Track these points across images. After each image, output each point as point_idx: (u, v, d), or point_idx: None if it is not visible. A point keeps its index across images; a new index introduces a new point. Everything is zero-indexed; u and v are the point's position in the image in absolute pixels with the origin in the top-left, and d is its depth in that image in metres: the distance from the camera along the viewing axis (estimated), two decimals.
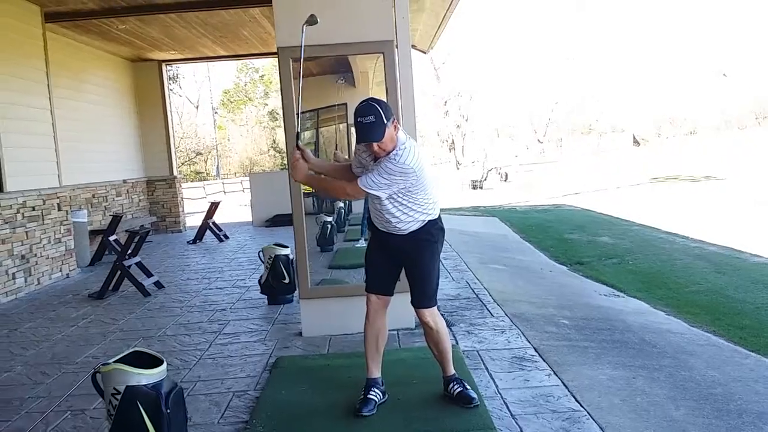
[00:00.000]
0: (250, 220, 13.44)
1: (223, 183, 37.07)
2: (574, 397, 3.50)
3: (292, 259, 5.77)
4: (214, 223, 11.30)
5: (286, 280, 5.91)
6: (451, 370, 3.50)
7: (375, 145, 3.13)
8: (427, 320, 3.39)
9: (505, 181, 31.11)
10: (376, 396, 3.39)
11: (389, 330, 3.59)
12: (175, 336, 5.17)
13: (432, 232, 3.38)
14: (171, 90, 16.23)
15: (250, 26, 10.10)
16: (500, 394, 3.55)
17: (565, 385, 3.67)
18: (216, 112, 52.35)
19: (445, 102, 40.59)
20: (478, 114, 44.31)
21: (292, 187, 4.78)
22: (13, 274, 7.16)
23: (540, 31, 67.25)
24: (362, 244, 6.03)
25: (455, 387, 3.42)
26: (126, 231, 7.69)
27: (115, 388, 2.78)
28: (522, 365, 4.00)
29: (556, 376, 3.81)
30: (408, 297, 3.47)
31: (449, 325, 4.62)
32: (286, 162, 4.98)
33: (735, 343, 5.44)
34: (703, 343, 5.34)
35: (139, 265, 7.18)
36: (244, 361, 4.40)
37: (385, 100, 4.08)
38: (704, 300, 7.13)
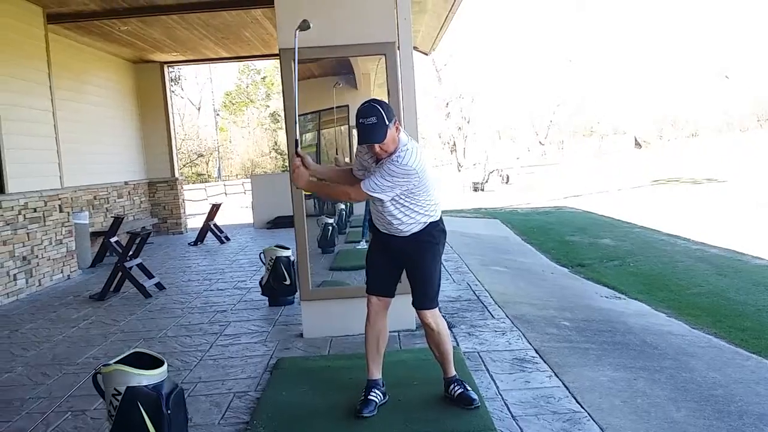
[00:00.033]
0: (252, 221, 13.44)
1: (224, 185, 37.09)
2: (574, 398, 3.50)
3: (293, 261, 5.77)
4: (215, 224, 11.30)
5: (287, 282, 5.91)
6: (452, 372, 3.50)
7: (377, 146, 3.13)
8: (428, 321, 3.39)
9: (507, 183, 31.11)
10: (376, 397, 3.39)
11: (390, 331, 3.59)
12: (176, 337, 5.17)
13: (434, 233, 3.38)
14: (173, 91, 16.23)
15: (251, 28, 10.11)
16: (501, 395, 3.55)
17: (565, 386, 3.67)
18: (218, 114, 52.41)
19: (447, 104, 40.60)
20: (479, 116, 44.31)
21: (293, 189, 4.78)
22: (15, 275, 7.17)
23: (541, 33, 67.21)
24: (363, 245, 6.03)
25: (456, 388, 3.42)
26: (127, 232, 7.70)
27: (115, 389, 2.79)
28: (523, 367, 3.99)
29: (557, 377, 3.81)
30: (408, 298, 3.47)
31: (450, 326, 4.61)
32: (287, 164, 4.98)
33: (736, 345, 5.43)
34: (704, 345, 5.33)
35: (141, 266, 7.18)
36: (245, 362, 4.40)
37: (386, 101, 4.08)
38: (705, 302, 7.13)
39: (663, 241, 11.55)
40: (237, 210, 18.61)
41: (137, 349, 3.03)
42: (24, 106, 7.61)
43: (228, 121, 52.62)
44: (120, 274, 6.91)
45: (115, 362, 2.83)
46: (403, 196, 3.22)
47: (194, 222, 13.98)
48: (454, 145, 41.42)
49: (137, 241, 7.18)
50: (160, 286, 7.13)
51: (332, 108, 6.94)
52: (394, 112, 3.25)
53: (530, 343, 4.45)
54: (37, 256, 7.60)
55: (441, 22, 10.11)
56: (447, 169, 39.63)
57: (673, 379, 4.16)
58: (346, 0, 4.74)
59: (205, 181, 42.95)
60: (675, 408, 3.62)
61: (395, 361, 3.96)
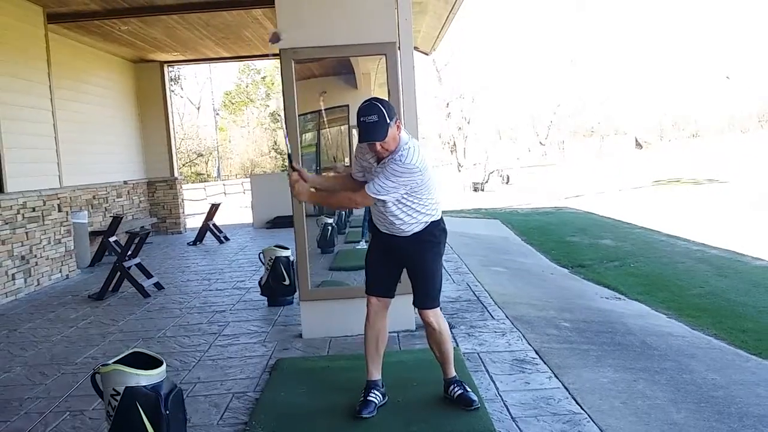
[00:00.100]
0: (251, 221, 13.43)
1: (223, 184, 37.12)
2: (574, 399, 3.49)
3: (293, 261, 5.76)
4: (214, 224, 11.29)
5: (287, 282, 5.90)
6: (452, 372, 3.49)
7: (378, 144, 3.11)
8: (430, 321, 3.38)
9: (507, 183, 31.14)
10: (376, 398, 3.38)
11: (389, 332, 3.58)
12: (174, 337, 5.16)
13: (435, 233, 3.37)
14: (172, 91, 16.24)
15: (252, 27, 10.10)
16: (501, 396, 3.54)
17: (565, 387, 3.66)
18: (217, 114, 52.41)
19: (447, 104, 40.61)
20: (480, 116, 44.34)
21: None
22: (13, 274, 7.15)
23: (542, 33, 67.31)
24: (363, 245, 6.03)
25: (456, 389, 3.41)
26: (126, 232, 7.69)
27: (114, 389, 2.78)
28: (522, 368, 3.98)
29: (557, 378, 3.80)
30: (408, 299, 3.47)
31: (450, 327, 4.59)
32: (287, 164, 4.96)
33: (736, 347, 5.43)
34: (705, 347, 5.32)
35: (139, 266, 7.17)
36: (244, 363, 4.39)
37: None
38: (706, 303, 7.12)
39: (663, 242, 11.55)
40: (236, 210, 18.60)
41: (136, 349, 3.02)
42: (24, 105, 7.60)
43: (227, 120, 52.62)
44: (119, 273, 6.90)
45: (114, 362, 2.82)
46: (406, 196, 3.21)
47: (193, 222, 13.97)
48: (455, 145, 41.44)
49: (136, 241, 7.17)
50: (158, 285, 7.12)
51: (332, 108, 6.94)
52: (395, 111, 3.23)
53: (530, 344, 4.44)
54: (35, 256, 7.58)
55: (441, 22, 10.09)
56: (447, 170, 39.62)
57: (673, 380, 4.15)
58: (347, 0, 4.72)
59: (205, 181, 42.96)
60: (675, 409, 3.61)
61: (395, 361, 3.95)
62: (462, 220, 14.69)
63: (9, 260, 7.09)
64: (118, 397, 2.76)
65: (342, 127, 7.16)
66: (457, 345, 4.38)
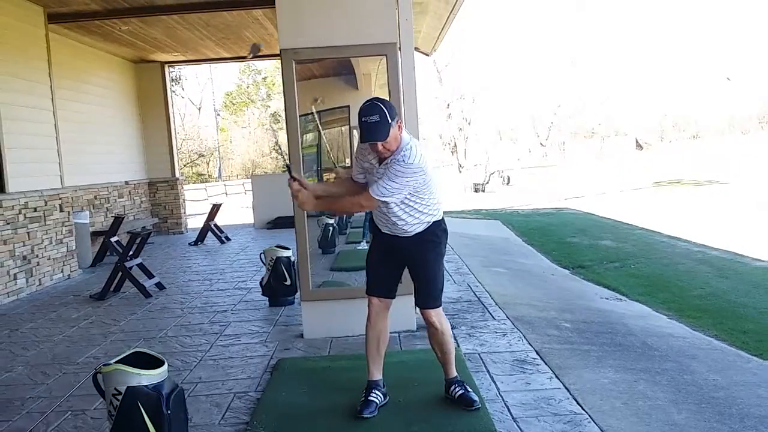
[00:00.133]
0: (252, 222, 13.44)
1: (225, 185, 37.12)
2: (575, 400, 3.49)
3: (294, 261, 5.77)
4: (215, 224, 11.30)
5: (288, 282, 5.90)
6: (454, 373, 3.49)
7: (379, 144, 3.11)
8: (432, 320, 3.39)
9: (508, 184, 31.15)
10: (377, 398, 3.38)
11: (390, 332, 3.58)
12: (176, 337, 5.17)
13: (437, 233, 3.38)
14: (173, 91, 16.24)
15: (252, 28, 10.11)
16: (501, 396, 3.54)
17: (566, 388, 3.66)
18: (218, 114, 52.46)
19: (448, 105, 40.65)
20: (480, 117, 44.40)
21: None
22: (15, 274, 7.16)
23: (542, 34, 67.30)
24: (364, 246, 6.03)
25: (457, 389, 3.41)
26: (127, 232, 7.70)
27: (116, 389, 2.78)
28: (523, 368, 3.99)
29: (558, 379, 3.80)
30: (408, 299, 3.47)
31: (451, 327, 4.60)
32: (287, 164, 4.96)
33: (737, 348, 5.43)
34: (706, 347, 5.32)
35: (141, 266, 7.18)
36: (245, 363, 4.40)
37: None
38: (706, 304, 7.12)
39: (664, 243, 11.55)
40: (237, 210, 18.60)
41: (137, 349, 3.03)
42: (25, 105, 7.61)
43: (228, 121, 52.66)
44: (120, 273, 6.90)
45: (116, 362, 2.83)
46: (408, 196, 3.21)
47: (194, 222, 13.98)
48: (455, 146, 41.48)
49: (137, 241, 7.18)
50: (160, 285, 7.13)
51: (333, 108, 6.94)
52: (396, 111, 3.24)
53: (531, 345, 4.44)
54: (37, 256, 7.59)
55: (442, 22, 10.10)
56: (448, 170, 39.63)
57: (674, 381, 4.15)
58: (348, 0, 4.72)
59: (206, 181, 42.99)
60: (676, 410, 3.61)
61: (396, 362, 3.96)
62: (463, 220, 14.70)
63: (11, 260, 7.10)
64: (120, 397, 2.77)
65: (343, 128, 7.16)
66: (458, 345, 4.38)
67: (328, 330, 4.83)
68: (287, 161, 3.47)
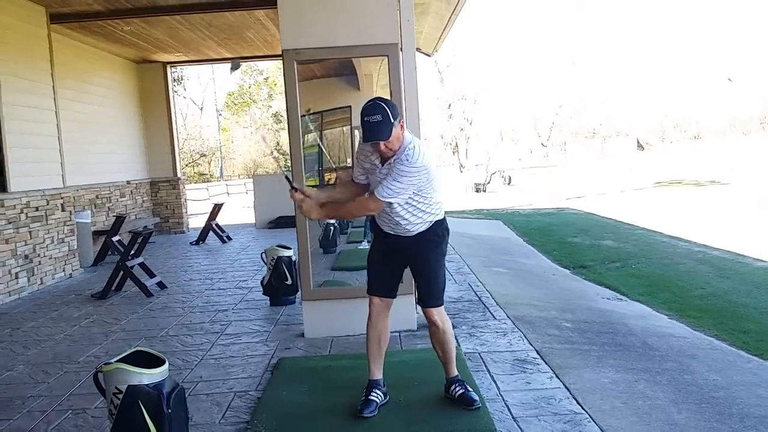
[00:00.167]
0: (253, 221, 13.45)
1: (226, 184, 37.16)
2: (575, 399, 3.49)
3: (295, 261, 5.78)
4: (217, 224, 11.31)
5: (289, 282, 5.91)
6: (454, 372, 3.50)
7: (382, 144, 3.12)
8: (435, 319, 3.40)
9: (509, 184, 31.14)
10: (377, 397, 3.39)
11: (391, 332, 3.59)
12: (177, 336, 5.18)
13: (439, 232, 3.39)
14: (175, 91, 16.26)
15: (254, 28, 10.12)
16: (502, 396, 3.55)
17: (566, 387, 3.67)
18: (220, 114, 52.50)
19: (449, 105, 40.66)
20: (481, 117, 44.42)
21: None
22: (17, 273, 7.18)
23: (543, 35, 67.32)
24: (365, 245, 6.04)
25: (457, 389, 3.42)
26: (129, 232, 7.71)
27: (116, 388, 2.79)
28: (524, 368, 3.99)
29: (558, 378, 3.80)
30: (409, 299, 3.48)
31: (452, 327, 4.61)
32: (289, 164, 4.97)
33: (738, 348, 5.43)
34: (706, 347, 5.32)
35: (142, 265, 7.19)
36: (246, 362, 4.41)
37: None
38: (707, 304, 7.12)
39: (665, 243, 11.54)
40: (239, 210, 18.62)
41: (138, 348, 3.04)
42: (27, 105, 7.62)
43: (230, 121, 52.70)
44: (122, 273, 6.92)
45: (117, 361, 2.83)
46: (413, 195, 3.22)
47: (196, 221, 13.98)
48: (457, 146, 41.49)
49: (139, 240, 7.19)
50: (161, 285, 7.14)
51: (334, 109, 6.95)
52: (399, 110, 3.24)
53: (531, 344, 4.44)
54: (39, 255, 7.61)
55: (444, 23, 10.11)
56: (449, 170, 39.61)
57: (674, 381, 4.15)
58: (349, 1, 4.73)
59: (207, 181, 43.03)
60: (676, 410, 3.62)
61: (396, 361, 3.96)
62: (464, 220, 14.70)
63: (12, 259, 7.11)
64: (121, 396, 2.77)
65: (344, 128, 7.17)
66: (459, 345, 4.39)
67: (328, 329, 4.84)
68: (285, 173, 3.42)
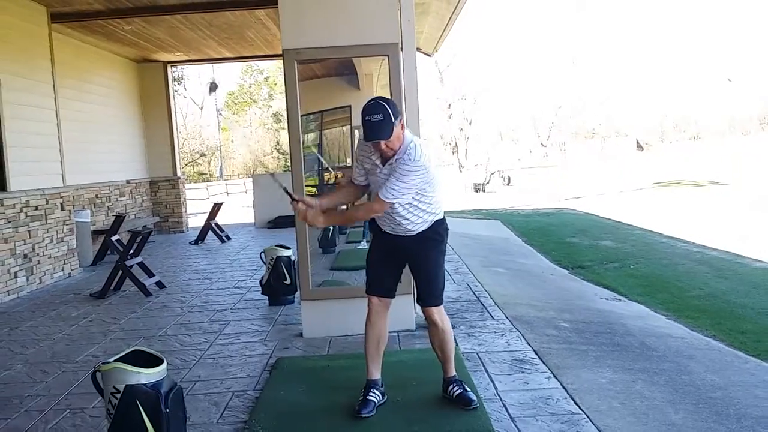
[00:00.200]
0: (253, 221, 13.46)
1: (226, 184, 37.14)
2: (573, 399, 3.50)
3: (294, 261, 5.78)
4: (216, 224, 11.32)
5: (288, 282, 5.92)
6: (453, 372, 3.50)
7: (382, 143, 3.12)
8: (434, 318, 3.41)
9: (508, 184, 31.15)
10: (375, 397, 3.40)
11: (389, 332, 3.59)
12: (175, 336, 5.18)
13: (439, 231, 3.40)
14: (175, 91, 16.28)
15: (255, 28, 10.13)
16: (499, 396, 3.55)
17: (564, 387, 3.67)
18: (220, 114, 52.45)
19: (449, 105, 40.65)
20: (481, 117, 44.41)
21: (295, 189, 4.78)
22: (15, 272, 7.18)
23: (543, 35, 67.34)
24: (364, 245, 6.05)
25: (455, 389, 3.43)
26: (128, 231, 7.71)
27: (114, 387, 2.79)
28: (521, 368, 4.00)
29: (556, 378, 3.81)
30: (408, 299, 3.49)
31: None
32: (289, 164, 4.97)
33: (735, 348, 5.44)
34: (704, 348, 5.33)
35: (141, 265, 7.20)
36: (244, 362, 4.41)
37: None
38: (705, 304, 7.13)
39: (663, 244, 11.55)
40: (238, 209, 18.62)
41: (137, 348, 3.04)
42: (27, 104, 7.63)
43: (230, 120, 52.67)
44: (121, 272, 6.92)
45: (115, 360, 2.84)
46: (415, 195, 3.23)
47: (195, 221, 13.99)
48: (456, 146, 41.48)
49: (138, 240, 7.20)
50: (160, 284, 7.14)
51: (335, 108, 6.95)
52: (399, 110, 3.24)
53: (529, 344, 4.45)
54: (38, 254, 7.61)
55: (444, 23, 10.11)
56: (449, 170, 39.59)
57: (671, 381, 4.16)
58: (350, 1, 4.74)
59: (207, 181, 43.01)
60: (673, 410, 3.62)
61: (394, 361, 3.97)
62: (463, 220, 14.71)
63: (11, 258, 7.12)
64: (119, 395, 2.77)
65: (344, 128, 7.18)
66: (457, 345, 4.39)
67: (327, 329, 4.84)
68: (283, 185, 3.35)
